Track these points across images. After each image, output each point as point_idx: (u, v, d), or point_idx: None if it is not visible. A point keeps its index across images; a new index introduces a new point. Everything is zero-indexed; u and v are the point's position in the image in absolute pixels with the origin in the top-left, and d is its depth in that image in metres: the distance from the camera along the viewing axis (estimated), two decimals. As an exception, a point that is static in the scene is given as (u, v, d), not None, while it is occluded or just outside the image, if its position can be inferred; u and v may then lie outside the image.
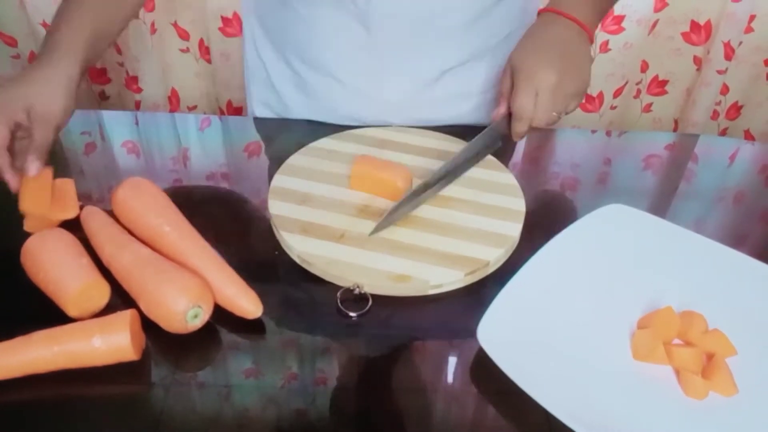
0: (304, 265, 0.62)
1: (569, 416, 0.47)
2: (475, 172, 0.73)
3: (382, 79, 0.81)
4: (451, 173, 0.70)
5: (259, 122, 0.89)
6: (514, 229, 0.66)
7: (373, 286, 0.59)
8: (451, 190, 0.70)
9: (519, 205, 0.69)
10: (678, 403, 0.51)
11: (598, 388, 0.52)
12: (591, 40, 0.71)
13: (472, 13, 0.78)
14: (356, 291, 0.59)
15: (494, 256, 0.62)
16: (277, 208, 0.67)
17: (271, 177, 0.71)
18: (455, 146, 0.78)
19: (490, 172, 0.74)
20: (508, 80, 0.70)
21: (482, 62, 0.83)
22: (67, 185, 0.67)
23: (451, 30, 0.79)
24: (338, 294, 0.59)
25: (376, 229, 0.64)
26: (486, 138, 0.72)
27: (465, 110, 0.86)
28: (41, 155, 0.62)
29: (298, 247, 0.62)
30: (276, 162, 0.74)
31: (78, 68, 0.66)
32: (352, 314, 0.58)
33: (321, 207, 0.67)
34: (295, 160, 0.74)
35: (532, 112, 0.67)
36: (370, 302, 0.58)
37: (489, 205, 0.68)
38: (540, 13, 0.74)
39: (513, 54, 0.71)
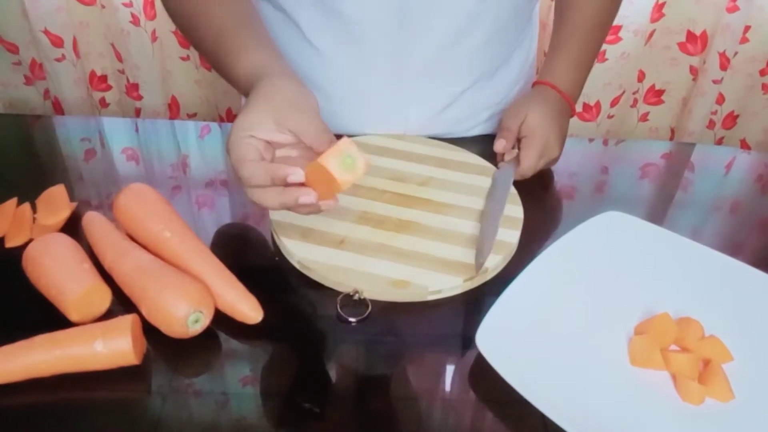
0: (304, 271, 0.62)
1: (567, 421, 0.47)
2: (474, 180, 0.74)
3: (404, 108, 0.82)
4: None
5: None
6: (512, 236, 0.66)
7: (372, 291, 0.60)
8: (450, 197, 0.71)
9: (517, 212, 0.69)
10: (675, 409, 0.52)
11: (595, 394, 0.52)
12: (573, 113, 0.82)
13: (494, 27, 0.80)
14: (356, 297, 0.59)
15: (493, 263, 0.63)
16: (277, 214, 0.67)
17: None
18: (453, 153, 0.79)
19: (488, 180, 0.74)
20: (518, 125, 0.77)
21: (492, 80, 0.86)
22: (59, 191, 0.68)
23: (472, 49, 0.80)
24: (338, 299, 0.59)
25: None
26: (507, 186, 0.74)
27: (474, 123, 0.88)
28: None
29: (298, 252, 0.63)
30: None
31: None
32: (351, 320, 0.58)
33: (320, 213, 0.67)
34: None
35: (533, 171, 0.76)
36: (370, 308, 0.59)
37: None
38: (540, 83, 0.81)
39: (530, 113, 0.77)
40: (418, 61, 0.79)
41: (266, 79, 0.61)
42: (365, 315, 0.58)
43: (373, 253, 0.63)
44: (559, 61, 0.82)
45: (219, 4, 0.69)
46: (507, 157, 0.78)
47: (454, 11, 0.75)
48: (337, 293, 0.60)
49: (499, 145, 0.77)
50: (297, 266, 0.63)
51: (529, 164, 0.75)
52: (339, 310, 0.59)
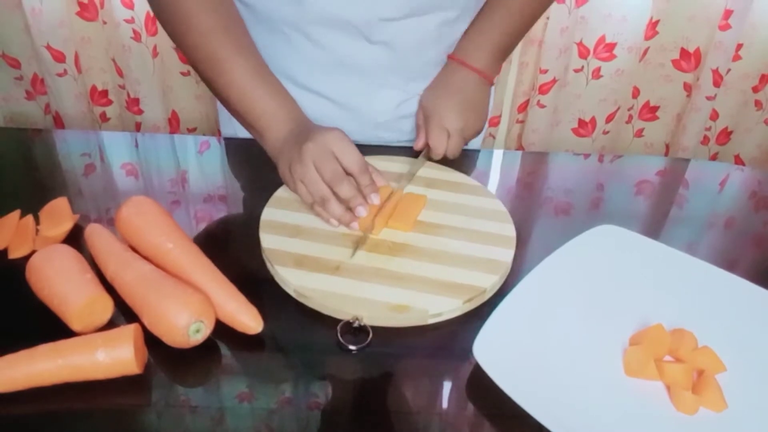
0: (301, 299, 0.61)
1: (563, 430, 0.48)
2: (464, 199, 0.74)
3: (373, 98, 0.86)
4: (405, 179, 0.77)
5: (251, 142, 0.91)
6: (506, 255, 0.66)
7: (372, 317, 0.58)
8: (442, 217, 0.70)
9: (509, 230, 0.69)
10: (669, 418, 0.52)
11: (591, 404, 0.53)
12: (490, 83, 0.86)
13: (451, 40, 0.85)
14: (356, 324, 0.58)
15: (490, 283, 0.62)
16: (269, 242, 0.66)
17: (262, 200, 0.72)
18: (443, 174, 0.79)
19: (478, 199, 0.74)
20: (422, 117, 0.84)
21: None
22: (62, 203, 0.69)
23: (432, 56, 0.85)
24: (338, 327, 0.58)
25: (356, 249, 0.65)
26: (421, 161, 0.81)
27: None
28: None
29: (294, 281, 0.61)
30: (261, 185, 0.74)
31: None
32: (352, 348, 0.57)
33: (314, 239, 0.66)
34: (283, 192, 0.73)
35: (444, 148, 0.81)
36: (371, 335, 0.58)
37: (480, 231, 0.69)
38: (448, 58, 0.86)
39: (424, 97, 0.85)
40: (397, 59, 0.82)
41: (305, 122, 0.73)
42: (367, 342, 0.57)
43: (371, 278, 0.62)
44: (477, 45, 0.84)
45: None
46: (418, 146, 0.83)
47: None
48: (337, 321, 0.59)
49: (416, 144, 0.83)
50: (293, 295, 0.61)
51: (435, 143, 0.80)
52: (339, 338, 0.58)
